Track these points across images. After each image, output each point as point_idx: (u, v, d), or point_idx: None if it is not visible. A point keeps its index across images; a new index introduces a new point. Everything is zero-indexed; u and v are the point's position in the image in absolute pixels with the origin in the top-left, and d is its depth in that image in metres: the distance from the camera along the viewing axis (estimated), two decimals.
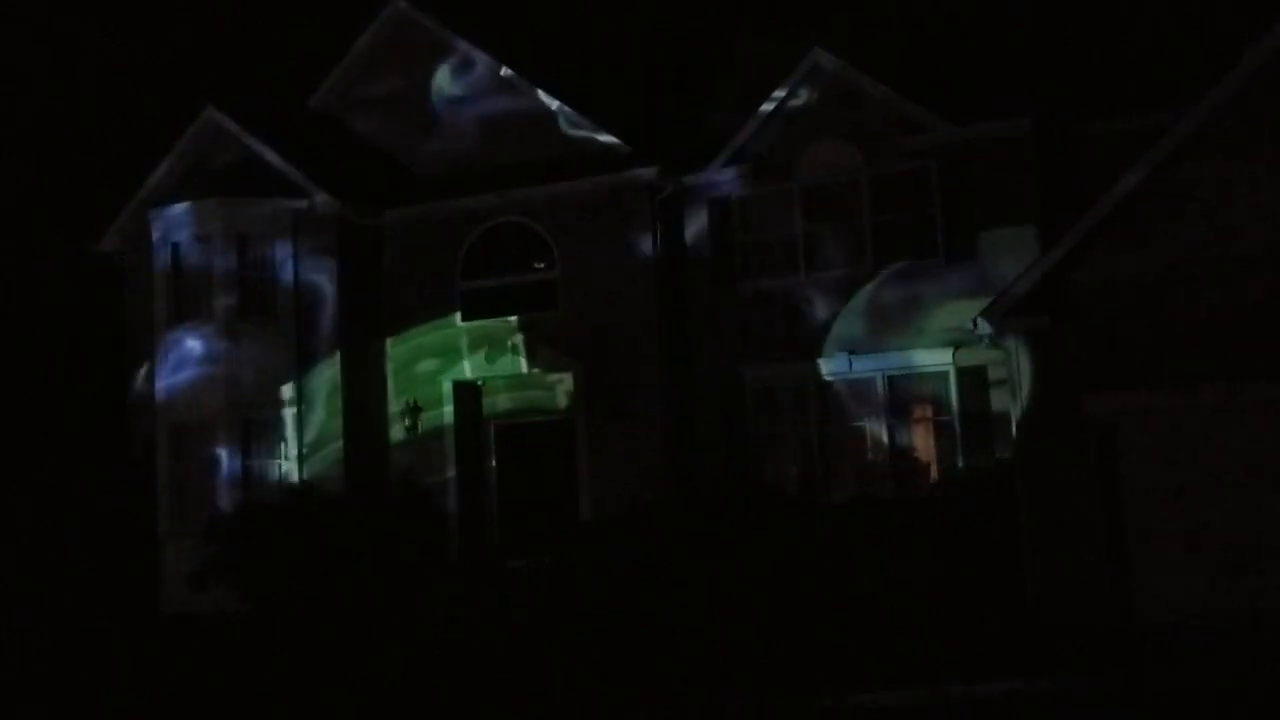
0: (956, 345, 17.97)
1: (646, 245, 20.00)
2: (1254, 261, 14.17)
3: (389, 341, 21.59)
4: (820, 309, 19.30)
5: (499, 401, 21.24)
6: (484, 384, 21.27)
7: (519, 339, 20.70)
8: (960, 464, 18.20)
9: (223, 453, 20.64)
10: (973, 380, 17.94)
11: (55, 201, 29.94)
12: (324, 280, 21.01)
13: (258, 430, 20.86)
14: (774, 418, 19.69)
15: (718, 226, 20.05)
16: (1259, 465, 14.06)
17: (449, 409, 21.08)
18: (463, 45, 21.87)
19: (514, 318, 20.80)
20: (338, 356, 20.86)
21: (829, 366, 19.18)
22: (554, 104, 20.98)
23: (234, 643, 17.20)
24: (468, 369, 21.08)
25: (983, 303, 15.90)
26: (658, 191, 20.10)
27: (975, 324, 15.64)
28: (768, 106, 19.62)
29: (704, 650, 14.35)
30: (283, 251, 21.06)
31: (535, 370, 20.68)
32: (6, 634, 18.96)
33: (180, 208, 21.22)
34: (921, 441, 18.92)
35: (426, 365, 21.30)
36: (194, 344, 20.95)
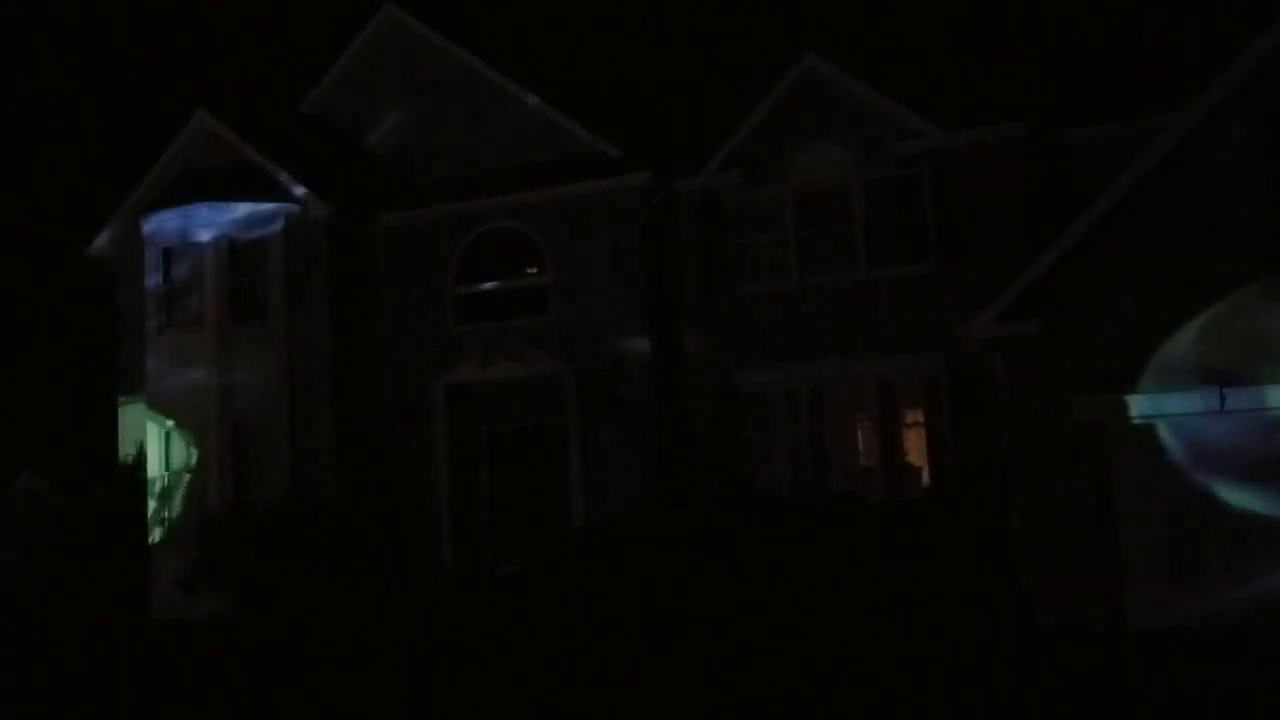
0: (948, 349, 17.99)
1: (639, 250, 19.99)
2: (1247, 265, 14.22)
3: (382, 346, 21.56)
4: (813, 313, 19.31)
5: (492, 407, 21.21)
6: (477, 389, 21.23)
7: (512, 344, 20.69)
8: (953, 468, 18.22)
9: (214, 457, 20.60)
10: (964, 384, 17.95)
11: (48, 205, 29.91)
12: (316, 284, 20.93)
13: (249, 434, 20.78)
14: (767, 422, 19.69)
15: (710, 231, 20.06)
16: (1253, 468, 14.10)
17: (442, 414, 21.05)
18: (454, 50, 21.87)
19: (507, 322, 20.79)
20: (330, 361, 20.79)
21: (822, 371, 19.19)
22: (546, 108, 20.97)
23: (224, 649, 17.15)
24: (461, 374, 21.05)
25: (974, 307, 15.94)
26: (650, 196, 20.10)
27: (967, 328, 15.68)
28: (760, 111, 19.64)
29: (698, 653, 14.35)
30: (275, 256, 20.99)
31: (528, 375, 20.65)
32: None
33: (171, 212, 21.17)
34: (914, 445, 18.93)
35: (419, 370, 21.27)
36: (185, 348, 20.90)
